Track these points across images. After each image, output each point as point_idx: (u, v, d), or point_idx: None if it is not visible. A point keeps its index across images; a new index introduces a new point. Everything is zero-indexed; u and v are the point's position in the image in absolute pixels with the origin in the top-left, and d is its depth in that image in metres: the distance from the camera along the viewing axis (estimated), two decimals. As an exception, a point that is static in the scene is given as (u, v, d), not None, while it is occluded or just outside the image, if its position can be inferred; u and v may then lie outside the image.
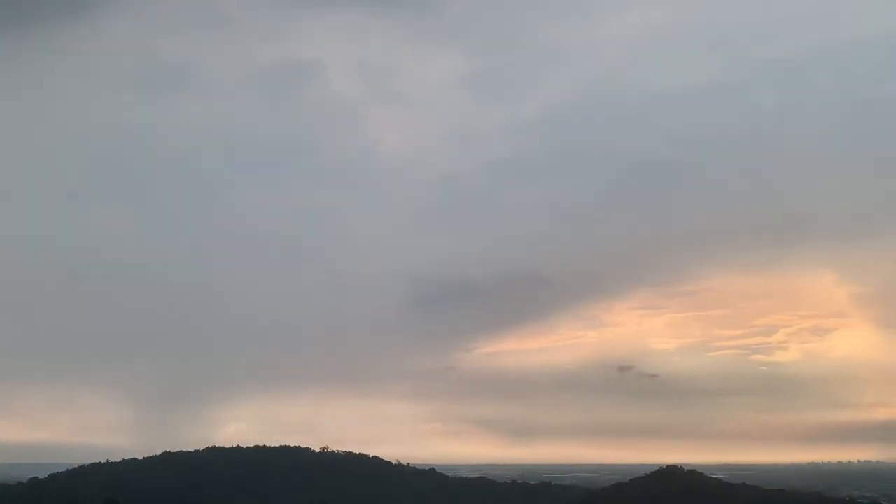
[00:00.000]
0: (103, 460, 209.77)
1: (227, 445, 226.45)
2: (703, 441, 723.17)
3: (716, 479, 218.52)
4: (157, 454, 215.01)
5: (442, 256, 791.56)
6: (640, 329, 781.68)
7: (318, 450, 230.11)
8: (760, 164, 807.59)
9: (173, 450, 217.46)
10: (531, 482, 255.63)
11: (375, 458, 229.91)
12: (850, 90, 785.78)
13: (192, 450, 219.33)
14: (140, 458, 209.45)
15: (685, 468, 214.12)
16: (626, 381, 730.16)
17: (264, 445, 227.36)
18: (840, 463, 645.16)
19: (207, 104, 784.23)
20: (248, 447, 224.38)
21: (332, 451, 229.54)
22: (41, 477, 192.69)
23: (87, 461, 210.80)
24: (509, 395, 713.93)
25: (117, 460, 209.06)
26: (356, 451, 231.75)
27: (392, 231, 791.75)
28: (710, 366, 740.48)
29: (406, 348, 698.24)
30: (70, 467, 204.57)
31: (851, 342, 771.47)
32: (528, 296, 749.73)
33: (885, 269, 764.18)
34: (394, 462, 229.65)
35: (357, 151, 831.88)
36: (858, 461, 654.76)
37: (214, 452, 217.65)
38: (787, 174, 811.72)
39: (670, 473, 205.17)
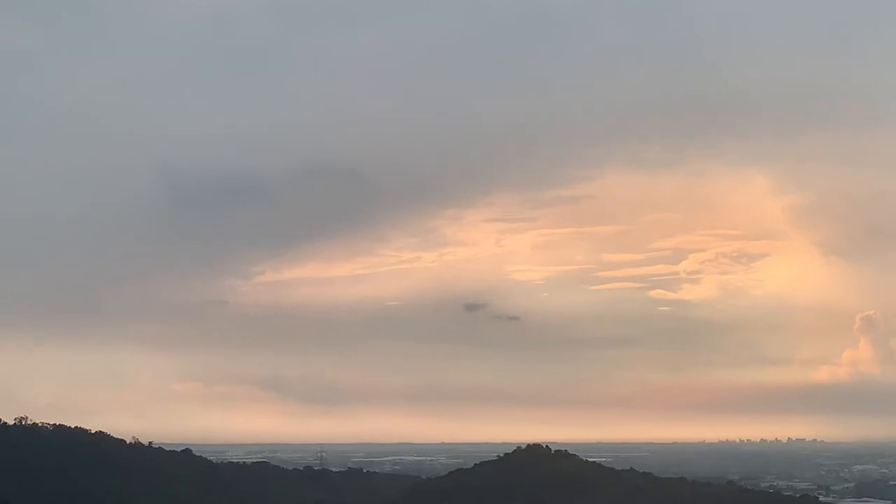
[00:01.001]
0: None
1: None
2: (580, 410, 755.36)
3: (594, 462, 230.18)
4: None
5: (209, 137, 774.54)
6: (497, 251, 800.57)
7: (11, 422, 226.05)
8: (676, 20, 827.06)
9: None
10: (334, 469, 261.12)
11: (101, 433, 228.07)
12: None
13: None
14: None
15: (552, 448, 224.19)
16: (475, 324, 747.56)
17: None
18: (765, 442, 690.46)
19: None
20: None
21: (35, 424, 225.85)
22: None
23: None
24: (307, 344, 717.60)
25: None
26: (71, 423, 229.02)
27: (134, 97, 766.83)
28: (593, 304, 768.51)
29: (153, 272, 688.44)
30: None
31: (787, 273, 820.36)
32: (336, 199, 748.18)
33: (835, 172, 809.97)
34: (130, 440, 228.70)
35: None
36: (790, 439, 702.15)
37: None
38: (710, 35, 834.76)
39: (531, 455, 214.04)
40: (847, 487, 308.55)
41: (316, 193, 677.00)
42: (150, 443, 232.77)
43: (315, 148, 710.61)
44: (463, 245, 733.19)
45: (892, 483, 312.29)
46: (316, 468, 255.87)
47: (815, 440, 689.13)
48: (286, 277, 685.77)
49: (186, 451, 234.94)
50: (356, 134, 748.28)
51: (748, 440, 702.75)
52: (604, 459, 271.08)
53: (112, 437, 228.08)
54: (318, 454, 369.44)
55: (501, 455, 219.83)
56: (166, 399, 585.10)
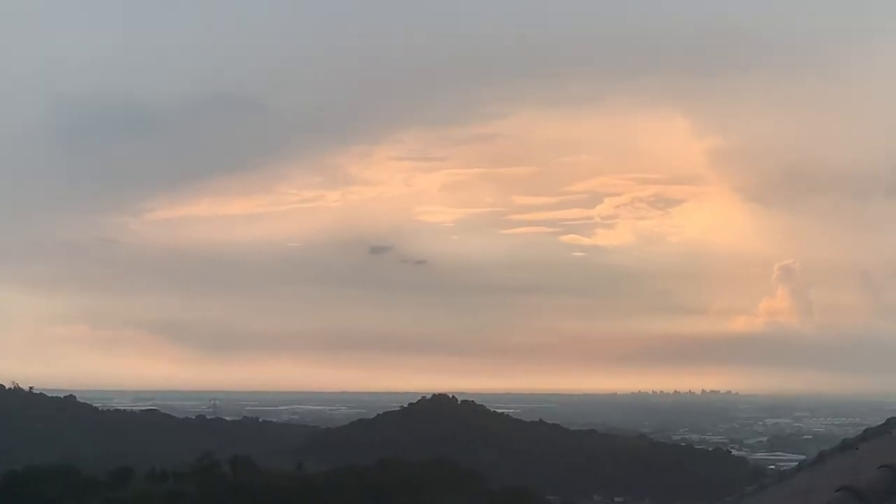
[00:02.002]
0: None
1: None
2: (488, 359, 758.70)
3: (502, 413, 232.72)
4: None
5: (97, 63, 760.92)
6: (404, 191, 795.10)
7: None
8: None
9: None
10: (228, 418, 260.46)
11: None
12: None
13: None
14: None
15: (458, 399, 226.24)
16: (380, 268, 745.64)
17: None
18: (678, 394, 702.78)
19: None
20: None
21: None
22: None
23: None
24: (201, 286, 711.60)
25: None
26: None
27: (12, 18, 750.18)
28: (504, 249, 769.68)
29: (34, 206, 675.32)
30: None
31: (705, 220, 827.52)
32: (234, 132, 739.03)
33: (758, 115, 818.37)
34: (9, 385, 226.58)
35: None
36: (704, 391, 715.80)
37: None
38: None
39: (436, 406, 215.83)
40: (760, 441, 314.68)
41: (212, 125, 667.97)
42: (30, 388, 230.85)
43: (212, 77, 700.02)
44: (369, 184, 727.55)
45: (805, 437, 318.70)
46: (209, 417, 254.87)
47: (729, 392, 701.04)
48: (179, 215, 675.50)
49: (70, 398, 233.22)
50: (258, 64, 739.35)
51: (661, 392, 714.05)
52: (512, 410, 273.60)
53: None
54: (212, 402, 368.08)
55: (405, 405, 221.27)
56: (49, 342, 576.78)
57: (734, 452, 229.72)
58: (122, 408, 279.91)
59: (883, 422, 18.08)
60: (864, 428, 18.66)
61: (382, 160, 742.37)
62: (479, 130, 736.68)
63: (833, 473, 14.11)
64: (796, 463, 19.72)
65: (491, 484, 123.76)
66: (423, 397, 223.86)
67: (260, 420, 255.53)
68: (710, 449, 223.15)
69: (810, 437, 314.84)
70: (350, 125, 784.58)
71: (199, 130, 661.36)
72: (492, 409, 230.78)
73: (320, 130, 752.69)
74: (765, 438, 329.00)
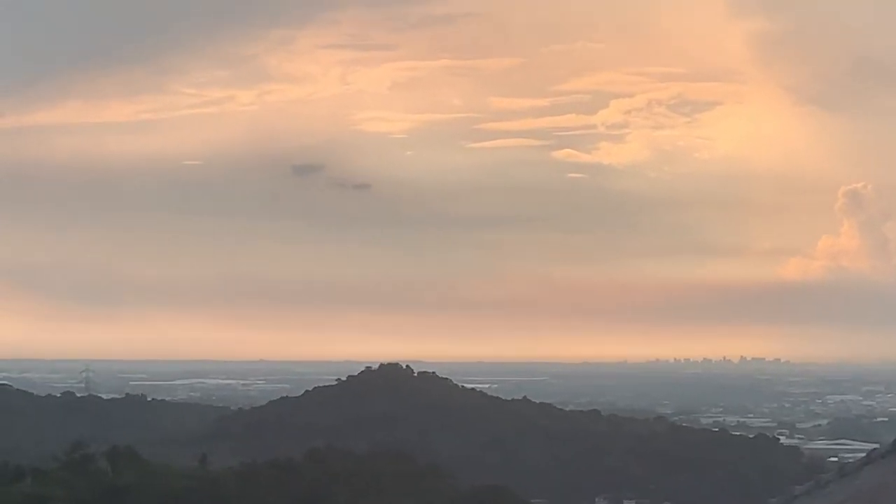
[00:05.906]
0: None
1: None
2: (454, 316, 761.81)
3: (473, 389, 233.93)
4: None
5: None
6: (340, 90, 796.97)
7: None
8: None
9: None
10: (105, 396, 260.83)
11: None
12: None
13: None
14: None
15: (414, 369, 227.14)
16: (307, 194, 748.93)
17: None
18: (709, 362, 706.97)
19: None
20: None
21: None
22: None
23: None
24: (66, 218, 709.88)
25: None
26: None
27: None
28: (475, 168, 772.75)
29: None
30: None
31: (746, 130, 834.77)
32: (109, 11, 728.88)
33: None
34: None
35: None
36: (743, 359, 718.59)
37: None
38: None
39: (385, 379, 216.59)
40: (819, 426, 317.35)
41: (79, 3, 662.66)
42: None
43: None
44: (292, 81, 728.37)
45: (879, 420, 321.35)
46: (79, 394, 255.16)
47: (777, 360, 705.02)
48: (35, 122, 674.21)
49: None
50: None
51: (686, 360, 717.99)
52: (487, 385, 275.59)
53: None
54: (83, 374, 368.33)
55: (343, 378, 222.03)
56: None
57: (783, 440, 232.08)
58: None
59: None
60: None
61: (310, 48, 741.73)
62: (440, 10, 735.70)
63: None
64: (865, 454, 19.97)
65: (458, 482, 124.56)
66: (367, 368, 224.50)
67: (148, 399, 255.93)
68: (752, 436, 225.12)
69: (885, 419, 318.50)
70: (268, 2, 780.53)
71: (62, 9, 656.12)
72: (459, 384, 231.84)
73: (227, 9, 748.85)
74: (825, 421, 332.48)
